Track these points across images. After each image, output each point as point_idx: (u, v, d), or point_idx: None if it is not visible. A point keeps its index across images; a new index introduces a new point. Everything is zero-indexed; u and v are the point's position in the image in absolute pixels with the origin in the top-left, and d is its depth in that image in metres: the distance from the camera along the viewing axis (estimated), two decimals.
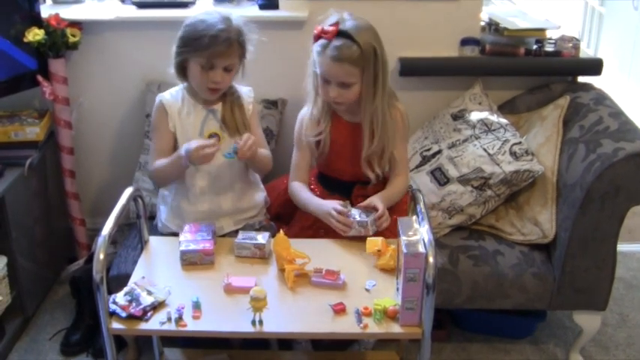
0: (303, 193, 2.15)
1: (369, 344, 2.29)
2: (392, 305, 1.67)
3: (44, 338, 2.45)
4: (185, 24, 2.02)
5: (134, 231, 2.30)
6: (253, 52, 2.07)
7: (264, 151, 2.16)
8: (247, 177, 2.20)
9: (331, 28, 2.00)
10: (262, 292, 1.62)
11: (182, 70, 2.05)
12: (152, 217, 2.27)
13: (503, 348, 2.44)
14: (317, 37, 2.04)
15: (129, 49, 2.64)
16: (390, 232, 2.00)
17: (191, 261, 1.87)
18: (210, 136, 2.07)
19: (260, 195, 2.25)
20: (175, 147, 2.09)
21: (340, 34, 1.99)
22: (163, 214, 2.20)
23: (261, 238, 1.91)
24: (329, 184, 2.24)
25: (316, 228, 2.12)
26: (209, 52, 1.96)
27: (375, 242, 1.87)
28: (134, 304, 1.68)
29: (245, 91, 2.17)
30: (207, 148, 1.93)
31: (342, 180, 2.21)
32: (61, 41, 2.46)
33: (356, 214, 1.99)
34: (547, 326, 2.52)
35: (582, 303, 2.25)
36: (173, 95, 2.12)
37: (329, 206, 2.02)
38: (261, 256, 1.89)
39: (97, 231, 1.71)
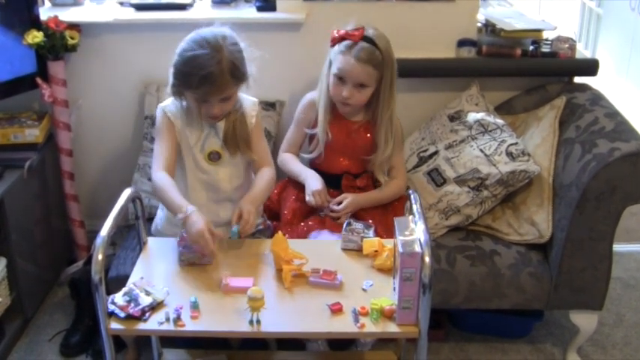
0: (294, 164, 2.34)
1: (368, 344, 2.30)
2: (389, 305, 1.67)
3: (44, 339, 2.46)
4: (178, 52, 1.92)
5: (133, 232, 2.31)
6: (256, 57, 1.99)
7: (267, 177, 2.08)
8: (246, 187, 2.12)
9: (357, 32, 2.14)
10: (260, 292, 1.62)
11: (180, 93, 1.99)
12: (151, 219, 2.27)
13: (500, 348, 2.45)
14: (340, 39, 2.15)
15: (127, 51, 2.65)
16: (386, 232, 2.01)
17: (189, 261, 1.88)
18: (211, 154, 2.05)
19: None
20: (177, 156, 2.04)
21: (365, 38, 2.14)
22: (160, 220, 2.19)
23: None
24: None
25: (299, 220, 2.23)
26: (201, 91, 1.90)
27: (371, 243, 1.88)
28: (133, 304, 1.68)
29: (249, 104, 2.10)
30: (207, 240, 1.77)
31: (330, 173, 2.27)
32: (60, 43, 2.47)
33: (359, 226, 2.00)
34: (544, 326, 2.53)
35: (579, 303, 2.26)
36: (176, 106, 2.04)
37: (310, 189, 2.19)
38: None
39: (95, 233, 1.71)
